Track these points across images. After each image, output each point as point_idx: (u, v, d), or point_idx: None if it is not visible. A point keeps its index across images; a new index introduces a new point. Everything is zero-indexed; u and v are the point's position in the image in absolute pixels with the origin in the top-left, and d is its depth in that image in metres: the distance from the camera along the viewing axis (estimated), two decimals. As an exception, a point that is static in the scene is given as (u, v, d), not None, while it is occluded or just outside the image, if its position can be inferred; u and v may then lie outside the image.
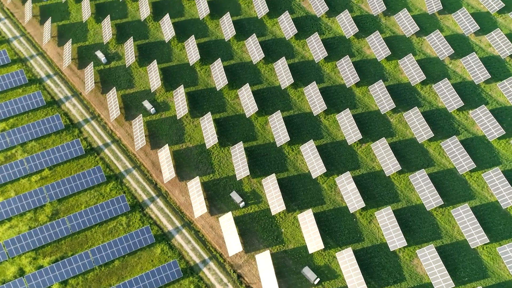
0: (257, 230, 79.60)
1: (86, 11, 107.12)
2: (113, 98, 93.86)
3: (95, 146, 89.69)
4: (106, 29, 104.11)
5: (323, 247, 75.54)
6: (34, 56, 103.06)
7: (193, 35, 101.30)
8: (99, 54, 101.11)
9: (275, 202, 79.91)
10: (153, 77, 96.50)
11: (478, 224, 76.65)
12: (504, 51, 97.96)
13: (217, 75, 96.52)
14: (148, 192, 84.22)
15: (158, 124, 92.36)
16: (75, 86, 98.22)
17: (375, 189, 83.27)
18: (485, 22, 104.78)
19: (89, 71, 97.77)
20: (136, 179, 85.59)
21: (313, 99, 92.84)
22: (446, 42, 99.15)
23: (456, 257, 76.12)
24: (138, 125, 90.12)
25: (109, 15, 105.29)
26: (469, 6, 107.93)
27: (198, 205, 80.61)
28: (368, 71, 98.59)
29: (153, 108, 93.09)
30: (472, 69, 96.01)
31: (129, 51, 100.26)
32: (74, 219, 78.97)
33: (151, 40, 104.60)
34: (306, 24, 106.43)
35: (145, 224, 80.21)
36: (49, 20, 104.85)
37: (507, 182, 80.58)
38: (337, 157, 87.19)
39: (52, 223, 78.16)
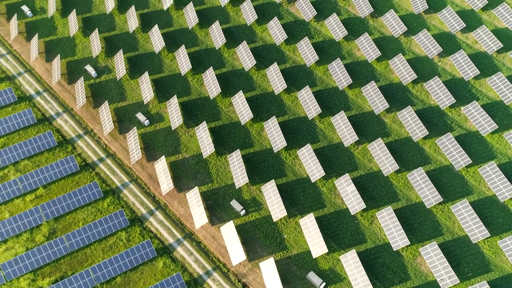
0: (260, 237, 78.99)
1: (73, 26, 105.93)
2: (105, 112, 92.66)
3: (89, 161, 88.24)
4: (95, 43, 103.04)
5: (327, 250, 75.30)
6: (22, 73, 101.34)
7: (183, 45, 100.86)
8: (89, 68, 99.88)
9: (276, 208, 79.49)
10: (145, 88, 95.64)
11: (478, 219, 77.32)
12: (490, 47, 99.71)
13: (210, 83, 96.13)
14: (147, 205, 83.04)
15: (153, 136, 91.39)
16: (66, 102, 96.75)
17: (374, 190, 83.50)
18: (470, 20, 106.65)
19: (80, 86, 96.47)
20: (133, 193, 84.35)
21: (307, 103, 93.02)
22: (434, 40, 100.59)
23: (459, 253, 76.55)
24: (132, 138, 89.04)
25: (97, 29, 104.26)
26: (454, 5, 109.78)
27: (198, 216, 79.72)
28: (360, 72, 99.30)
29: (147, 120, 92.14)
30: (461, 66, 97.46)
31: (119, 64, 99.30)
32: (72, 237, 77.36)
33: (141, 52, 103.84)
34: (295, 29, 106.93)
35: (145, 238, 78.96)
36: (36, 36, 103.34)
37: (503, 175, 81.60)
38: (334, 159, 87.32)
39: (49, 242, 76.40)
